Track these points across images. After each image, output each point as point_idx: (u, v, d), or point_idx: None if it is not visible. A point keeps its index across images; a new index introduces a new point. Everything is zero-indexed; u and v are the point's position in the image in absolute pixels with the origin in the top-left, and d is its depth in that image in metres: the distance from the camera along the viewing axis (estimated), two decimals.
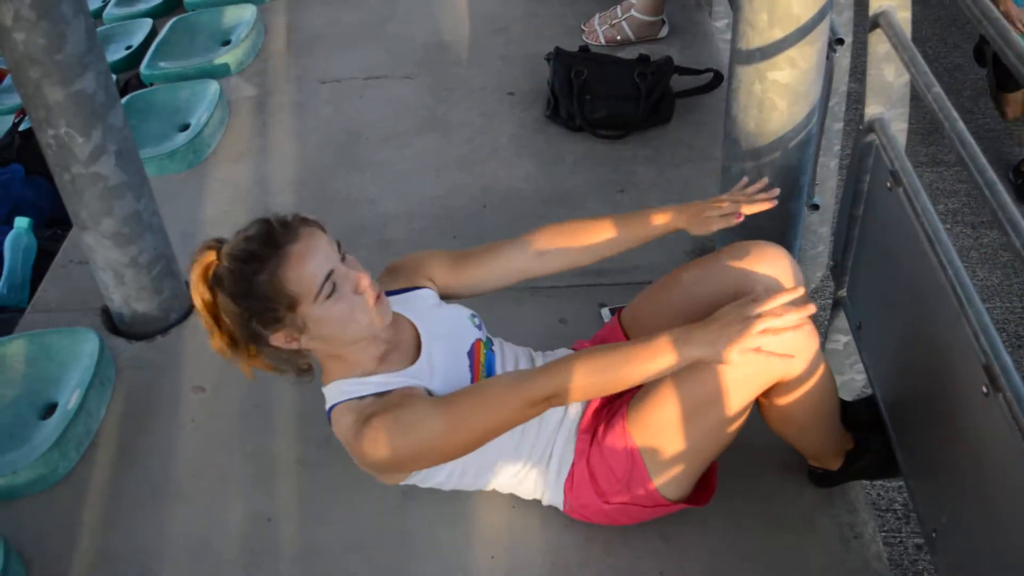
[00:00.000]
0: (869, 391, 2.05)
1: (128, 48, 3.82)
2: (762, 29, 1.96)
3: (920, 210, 1.72)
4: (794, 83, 2.03)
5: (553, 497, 1.86)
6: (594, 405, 1.84)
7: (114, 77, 3.10)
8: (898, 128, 1.98)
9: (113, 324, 2.48)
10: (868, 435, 1.93)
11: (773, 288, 1.63)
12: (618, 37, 3.41)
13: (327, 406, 1.71)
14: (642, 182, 2.80)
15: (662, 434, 1.72)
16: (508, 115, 3.14)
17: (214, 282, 1.60)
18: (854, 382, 2.37)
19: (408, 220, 2.75)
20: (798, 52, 1.99)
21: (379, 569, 1.90)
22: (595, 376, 1.57)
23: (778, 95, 2.04)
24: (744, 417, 1.72)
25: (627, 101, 2.94)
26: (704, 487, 1.86)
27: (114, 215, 2.25)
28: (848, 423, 1.92)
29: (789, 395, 1.71)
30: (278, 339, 1.61)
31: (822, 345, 2.35)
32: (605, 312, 2.38)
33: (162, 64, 3.52)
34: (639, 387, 1.76)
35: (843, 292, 2.22)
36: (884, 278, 1.98)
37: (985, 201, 1.43)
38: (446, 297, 1.90)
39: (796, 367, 1.66)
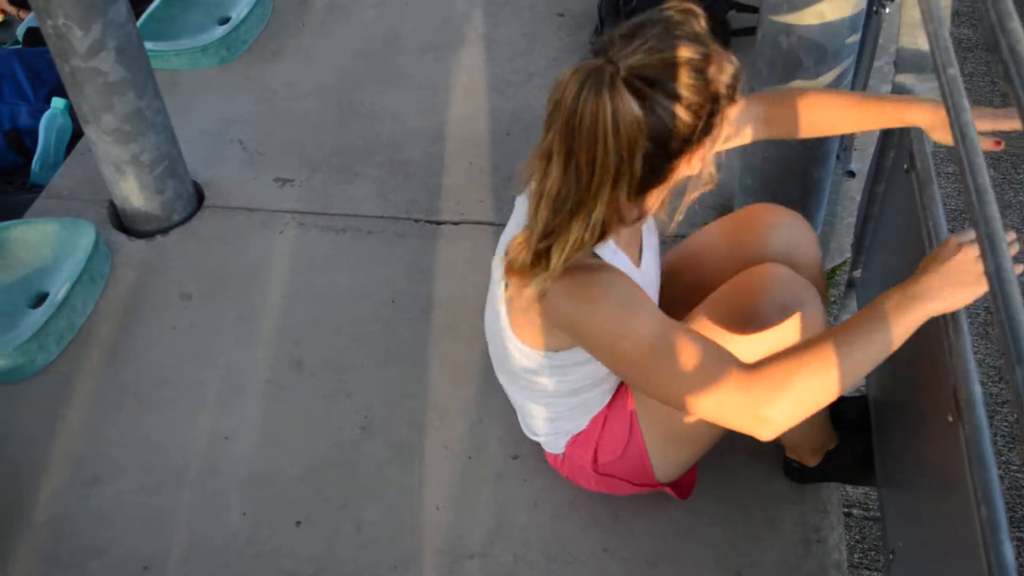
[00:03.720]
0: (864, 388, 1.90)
1: None
2: None
3: (926, 201, 1.53)
4: (823, 40, 1.83)
5: (554, 443, 1.73)
6: None
7: None
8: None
9: (118, 218, 2.45)
10: (852, 436, 1.79)
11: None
12: None
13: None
14: None
15: (673, 416, 1.59)
16: (553, 37, 2.96)
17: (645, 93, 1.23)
18: None
19: (427, 140, 2.63)
20: (829, 7, 1.78)
21: (324, 502, 1.86)
22: (853, 367, 1.28)
23: (804, 51, 1.85)
24: None
25: None
26: (687, 479, 1.75)
27: (114, 111, 2.20)
28: (835, 419, 1.78)
29: None
30: (684, 166, 1.31)
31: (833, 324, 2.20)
32: None
33: None
34: None
35: (857, 273, 2.04)
36: (889, 268, 1.80)
37: (969, 209, 1.24)
38: None
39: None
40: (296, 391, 2.04)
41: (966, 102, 1.38)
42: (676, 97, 1.24)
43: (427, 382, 2.03)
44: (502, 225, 2.37)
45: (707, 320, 1.54)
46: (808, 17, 1.79)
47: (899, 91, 1.75)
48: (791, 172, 2.04)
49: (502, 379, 1.71)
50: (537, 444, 1.79)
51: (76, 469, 1.95)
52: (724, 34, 2.78)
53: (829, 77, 1.88)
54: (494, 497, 1.85)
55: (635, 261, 1.54)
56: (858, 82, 2.10)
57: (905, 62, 1.73)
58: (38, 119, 3.02)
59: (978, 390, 1.28)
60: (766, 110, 1.64)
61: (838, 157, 2.29)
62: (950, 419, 1.32)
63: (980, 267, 1.23)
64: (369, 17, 3.10)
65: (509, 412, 1.83)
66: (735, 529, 1.78)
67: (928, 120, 1.53)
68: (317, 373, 2.07)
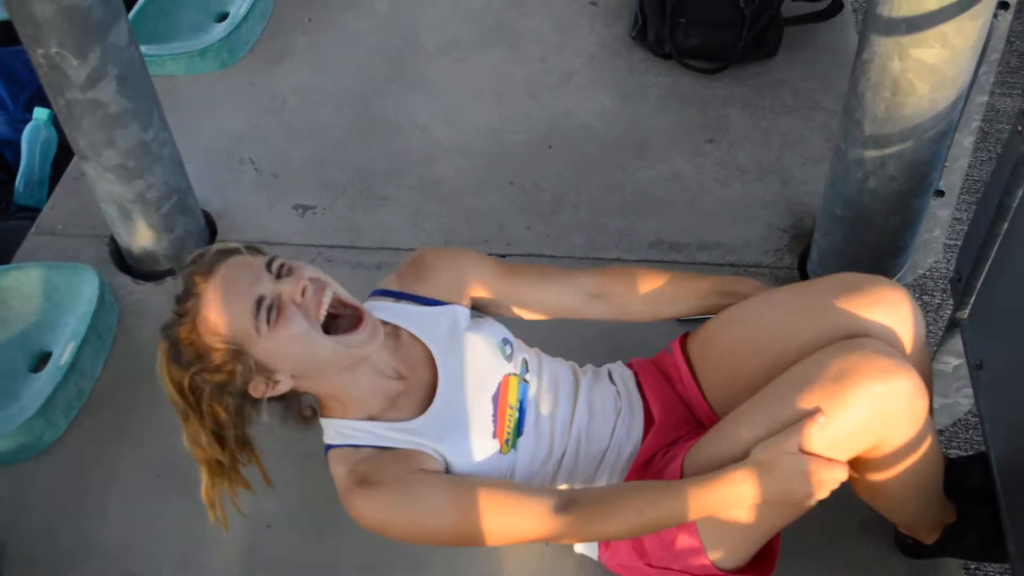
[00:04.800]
0: (979, 440, 1.70)
1: None
2: None
3: None
4: (943, 65, 1.59)
5: (587, 547, 1.58)
6: (650, 451, 1.52)
7: None
8: None
9: (121, 258, 2.19)
10: (974, 506, 1.59)
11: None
12: None
13: (324, 442, 1.42)
14: (734, 131, 2.37)
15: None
16: (588, 30, 2.68)
17: (169, 365, 1.31)
18: (959, 406, 2.00)
19: (460, 155, 2.37)
20: (954, 28, 1.54)
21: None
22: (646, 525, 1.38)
23: (920, 77, 1.61)
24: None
25: (727, 29, 2.47)
26: (765, 553, 1.55)
27: (116, 146, 1.93)
28: (950, 487, 1.58)
29: (885, 470, 1.38)
30: (257, 389, 1.30)
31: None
32: None
33: None
34: (700, 433, 1.46)
35: (963, 314, 1.83)
36: (1016, 326, 1.59)
37: None
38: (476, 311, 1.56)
39: (896, 438, 1.32)
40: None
41: None
42: None
43: None
44: (554, 257, 2.16)
45: (778, 403, 1.34)
46: (930, 40, 1.55)
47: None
48: (891, 204, 1.82)
49: None
50: None
51: (105, 567, 1.72)
52: (777, 26, 2.53)
53: (943, 103, 1.65)
54: None
55: (419, 406, 1.43)
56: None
57: None
58: (18, 130, 2.73)
59: None
60: (595, 290, 1.57)
61: None
62: None
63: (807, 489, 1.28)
64: (382, 10, 2.80)
65: None
66: None
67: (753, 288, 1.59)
68: None
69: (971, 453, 1.67)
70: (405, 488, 1.31)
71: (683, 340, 1.64)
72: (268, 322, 1.24)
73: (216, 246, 1.32)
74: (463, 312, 1.49)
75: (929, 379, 1.59)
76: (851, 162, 1.79)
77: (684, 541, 1.45)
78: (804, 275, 2.08)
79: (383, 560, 1.69)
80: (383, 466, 1.33)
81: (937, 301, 2.45)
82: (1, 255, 2.28)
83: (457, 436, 1.38)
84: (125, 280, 2.16)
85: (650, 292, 1.55)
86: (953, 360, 1.94)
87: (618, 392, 1.58)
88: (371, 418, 1.38)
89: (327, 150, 2.40)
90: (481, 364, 1.44)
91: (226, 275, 1.27)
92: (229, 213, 2.27)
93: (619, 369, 1.64)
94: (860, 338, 1.35)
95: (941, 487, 1.54)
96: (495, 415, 1.42)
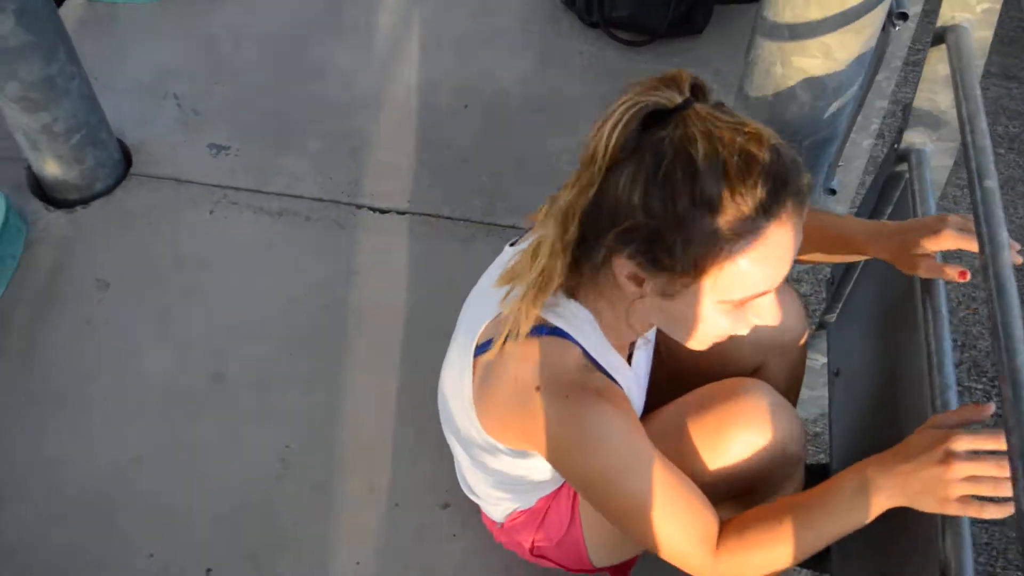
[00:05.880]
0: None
1: None
2: (797, 2, 1.31)
3: (930, 300, 1.14)
4: (824, 76, 1.39)
5: (494, 511, 1.39)
6: None
7: None
8: (939, 165, 1.35)
9: (38, 183, 1.99)
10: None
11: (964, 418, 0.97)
12: None
13: (549, 317, 1.05)
14: None
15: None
16: None
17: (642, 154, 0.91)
18: (824, 399, 1.86)
19: (377, 107, 2.15)
20: (837, 40, 1.33)
21: (236, 549, 1.51)
22: (812, 544, 1.02)
23: (801, 87, 1.41)
24: None
25: (655, 5, 2.23)
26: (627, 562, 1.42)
27: (19, 79, 1.72)
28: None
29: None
30: (624, 265, 0.96)
31: None
32: None
33: None
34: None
35: (831, 318, 1.67)
36: (871, 342, 1.43)
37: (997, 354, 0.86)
38: None
39: None
40: (214, 410, 1.67)
41: (1004, 234, 0.98)
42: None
43: (356, 412, 1.66)
44: (451, 219, 1.97)
45: (674, 429, 1.19)
46: (812, 49, 1.35)
47: (907, 151, 1.33)
48: None
49: (448, 437, 1.33)
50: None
51: None
52: (707, 5, 2.29)
53: (824, 112, 1.45)
54: (419, 554, 1.51)
55: (625, 356, 1.16)
56: (854, 101, 1.66)
57: (918, 119, 1.30)
58: None
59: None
60: None
61: None
62: None
63: (961, 491, 0.91)
64: None
65: (444, 455, 1.44)
66: None
67: (889, 254, 1.16)
68: (238, 390, 1.69)
69: (817, 462, 1.53)
70: (627, 428, 1.02)
71: None
72: (732, 305, 0.96)
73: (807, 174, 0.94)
74: None
75: (802, 372, 1.47)
76: None
77: (570, 543, 1.33)
78: None
79: None
80: (614, 395, 1.04)
81: (823, 295, 2.28)
82: None
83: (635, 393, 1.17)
84: (38, 206, 1.96)
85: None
86: (820, 358, 1.79)
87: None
88: (614, 345, 1.11)
89: (250, 91, 2.18)
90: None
91: (791, 236, 0.93)
92: (145, 147, 2.06)
93: None
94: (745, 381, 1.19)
95: None
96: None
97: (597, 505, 1.08)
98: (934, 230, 1.11)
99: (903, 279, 1.26)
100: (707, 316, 0.98)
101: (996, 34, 1.19)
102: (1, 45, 1.66)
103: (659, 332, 1.28)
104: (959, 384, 2.56)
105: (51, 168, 1.90)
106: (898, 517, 1.02)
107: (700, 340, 1.02)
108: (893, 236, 1.15)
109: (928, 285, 1.16)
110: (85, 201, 1.96)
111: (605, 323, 1.09)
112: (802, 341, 1.40)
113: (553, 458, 1.06)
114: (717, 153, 0.88)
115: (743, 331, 1.00)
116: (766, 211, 0.89)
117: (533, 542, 1.36)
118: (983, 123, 1.07)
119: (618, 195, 0.93)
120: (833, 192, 1.87)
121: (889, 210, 1.43)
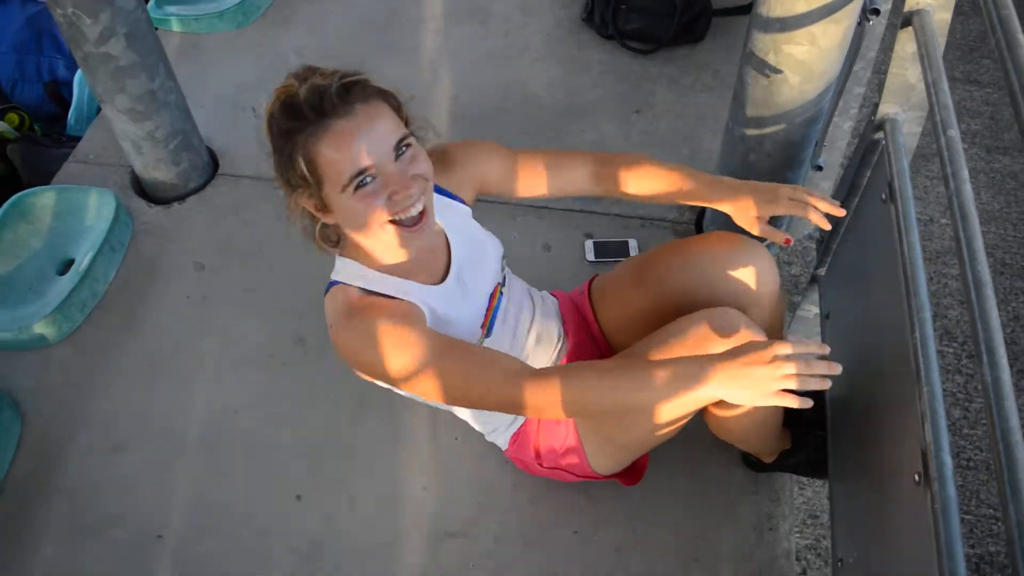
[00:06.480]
0: None
1: None
2: None
3: (907, 245, 1.28)
4: (811, 61, 1.54)
5: (499, 439, 1.55)
6: None
7: None
8: (911, 132, 1.50)
9: (140, 184, 2.18)
10: (807, 431, 1.59)
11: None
12: None
13: (331, 277, 1.27)
14: (659, 104, 2.31)
15: (605, 422, 1.40)
16: (547, 12, 2.61)
17: (273, 112, 1.15)
18: None
19: (429, 113, 2.30)
20: (821, 29, 1.49)
21: (319, 479, 1.68)
22: (603, 395, 1.15)
23: (792, 70, 1.56)
24: (688, 418, 1.37)
25: (662, 17, 2.39)
26: (636, 466, 1.56)
27: (127, 92, 1.91)
28: (790, 417, 1.58)
29: (736, 410, 1.36)
30: (301, 199, 1.17)
31: (793, 311, 1.98)
32: (589, 245, 2.00)
33: None
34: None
35: (821, 272, 1.81)
36: (857, 287, 1.57)
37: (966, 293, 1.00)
38: (483, 195, 1.44)
39: None
40: (298, 367, 1.83)
41: (965, 171, 1.12)
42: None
43: None
44: (492, 203, 2.13)
45: (657, 355, 1.31)
46: (799, 38, 1.50)
47: (882, 121, 1.47)
48: (769, 176, 1.77)
49: None
50: None
51: (100, 438, 1.75)
52: (706, 15, 2.45)
53: (812, 93, 1.59)
54: (476, 480, 1.66)
55: (430, 279, 1.29)
56: (836, 86, 1.81)
57: (892, 93, 1.45)
58: (74, 71, 2.70)
59: (948, 459, 1.08)
60: (596, 169, 1.45)
61: None
62: (916, 479, 1.12)
63: (780, 384, 1.09)
64: None
65: None
66: (697, 517, 1.61)
67: (731, 209, 1.38)
68: (318, 352, 1.85)
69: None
70: (394, 323, 1.17)
71: (592, 280, 1.62)
72: (356, 189, 1.11)
73: (369, 81, 1.17)
74: (466, 209, 1.39)
75: (780, 322, 1.58)
76: (736, 138, 1.75)
77: (570, 449, 1.47)
78: (700, 229, 2.05)
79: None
80: (384, 306, 1.21)
81: (810, 258, 2.42)
82: (47, 176, 2.28)
83: (456, 313, 1.30)
84: (141, 203, 2.15)
85: (651, 183, 1.43)
86: (813, 308, 1.92)
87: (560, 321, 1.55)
88: (386, 272, 1.26)
89: None
90: (488, 259, 1.40)
91: (359, 124, 1.11)
92: (230, 152, 2.24)
93: (548, 297, 1.61)
94: (719, 309, 1.31)
95: (780, 423, 1.54)
96: (485, 311, 1.37)
97: (425, 394, 1.21)
98: (768, 198, 1.33)
99: (884, 234, 1.40)
100: (350, 211, 1.14)
101: (959, 43, 1.34)
102: (113, 64, 1.85)
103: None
104: None
105: (151, 170, 2.09)
106: (882, 418, 1.16)
107: (373, 235, 1.17)
108: (737, 197, 1.36)
109: (905, 234, 1.29)
110: (181, 198, 2.14)
111: (367, 260, 1.24)
112: (776, 296, 1.48)
113: (371, 372, 1.20)
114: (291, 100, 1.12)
115: (382, 219, 1.14)
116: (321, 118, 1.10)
117: (539, 453, 1.50)
118: (945, 85, 1.22)
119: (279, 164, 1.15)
120: (820, 168, 2.01)
121: (868, 173, 1.57)
